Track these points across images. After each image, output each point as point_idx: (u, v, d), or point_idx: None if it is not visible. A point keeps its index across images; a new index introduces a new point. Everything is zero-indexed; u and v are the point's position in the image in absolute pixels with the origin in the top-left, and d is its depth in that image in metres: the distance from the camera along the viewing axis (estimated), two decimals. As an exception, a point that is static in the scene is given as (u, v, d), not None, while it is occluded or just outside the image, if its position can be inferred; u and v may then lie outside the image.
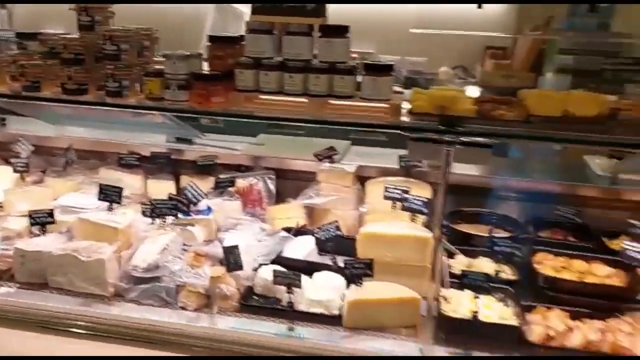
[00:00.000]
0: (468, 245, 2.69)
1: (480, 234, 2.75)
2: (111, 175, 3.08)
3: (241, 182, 3.02)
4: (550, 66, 4.09)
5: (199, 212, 2.75)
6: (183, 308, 2.30)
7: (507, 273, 2.52)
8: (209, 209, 2.78)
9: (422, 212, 2.57)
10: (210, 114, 2.52)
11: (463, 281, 2.24)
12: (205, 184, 2.94)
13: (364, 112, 2.31)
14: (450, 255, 2.61)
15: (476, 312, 2.19)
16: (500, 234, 2.74)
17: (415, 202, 2.58)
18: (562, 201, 2.91)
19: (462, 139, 2.09)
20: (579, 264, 2.54)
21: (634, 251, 2.34)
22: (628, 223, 2.67)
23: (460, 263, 2.56)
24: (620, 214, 2.83)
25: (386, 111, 2.31)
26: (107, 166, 3.21)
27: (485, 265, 2.53)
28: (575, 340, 2.14)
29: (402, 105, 2.38)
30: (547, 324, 2.18)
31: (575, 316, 2.24)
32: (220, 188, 2.94)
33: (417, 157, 2.80)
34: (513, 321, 2.21)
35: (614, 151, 2.90)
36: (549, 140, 2.30)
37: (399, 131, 2.18)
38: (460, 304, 2.27)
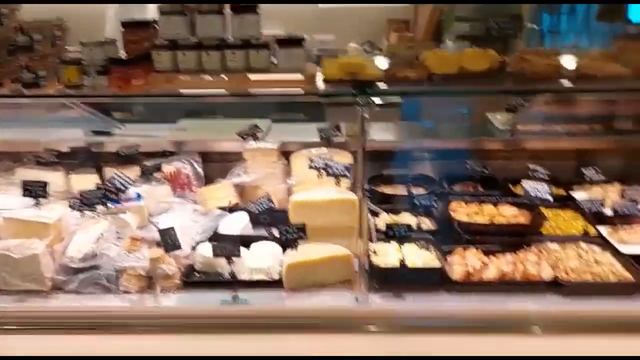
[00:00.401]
0: (390, 204, 2.87)
1: (401, 193, 2.96)
2: (29, 175, 2.98)
3: (167, 167, 3.03)
4: (449, 34, 4.38)
5: (129, 199, 2.76)
6: (125, 292, 2.32)
7: (427, 224, 2.74)
8: (139, 196, 2.79)
9: (345, 176, 2.71)
10: (133, 96, 2.55)
11: (388, 233, 2.40)
12: (131, 173, 2.90)
13: (281, 83, 2.43)
14: (375, 215, 2.80)
15: (403, 259, 2.38)
16: (419, 191, 2.97)
17: (338, 167, 2.72)
18: (471, 156, 3.13)
19: (373, 99, 2.26)
20: (488, 209, 2.78)
21: (534, 189, 2.63)
22: (527, 168, 2.95)
23: (384, 221, 2.72)
24: (521, 163, 3.08)
25: (302, 81, 2.44)
26: (24, 166, 3.11)
27: (407, 219, 2.72)
28: (491, 273, 2.37)
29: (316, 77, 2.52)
30: (466, 262, 2.41)
31: (489, 253, 2.48)
32: (147, 174, 2.94)
33: (335, 123, 2.94)
34: (436, 264, 2.42)
35: (509, 105, 3.20)
36: (449, 94, 2.53)
37: (317, 98, 2.31)
38: (388, 255, 2.45)
